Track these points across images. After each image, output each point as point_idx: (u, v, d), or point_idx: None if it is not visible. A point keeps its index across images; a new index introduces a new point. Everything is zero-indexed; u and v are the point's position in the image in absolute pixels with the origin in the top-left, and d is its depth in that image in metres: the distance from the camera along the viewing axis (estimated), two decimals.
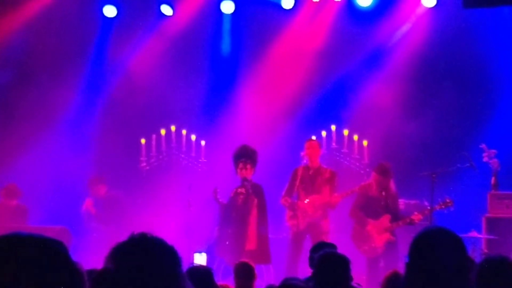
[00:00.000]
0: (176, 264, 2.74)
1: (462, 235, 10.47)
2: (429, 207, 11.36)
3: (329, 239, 10.94)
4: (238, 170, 11.52)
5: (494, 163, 12.12)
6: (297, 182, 11.55)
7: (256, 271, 7.59)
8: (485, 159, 12.13)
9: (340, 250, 7.91)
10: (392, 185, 11.68)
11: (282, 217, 12.21)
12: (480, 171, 11.77)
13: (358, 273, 11.21)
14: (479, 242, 11.35)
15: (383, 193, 11.61)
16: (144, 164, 13.28)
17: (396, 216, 11.61)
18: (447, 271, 3.21)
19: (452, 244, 3.28)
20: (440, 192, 11.37)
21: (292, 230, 11.60)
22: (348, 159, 12.96)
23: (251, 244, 11.25)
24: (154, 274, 2.67)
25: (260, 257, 11.14)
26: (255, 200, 11.44)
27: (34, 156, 13.52)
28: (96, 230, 12.66)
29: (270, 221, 11.75)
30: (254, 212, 11.42)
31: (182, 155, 13.45)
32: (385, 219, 11.59)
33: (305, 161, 11.83)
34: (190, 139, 13.35)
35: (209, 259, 11.66)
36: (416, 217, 11.36)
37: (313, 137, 12.45)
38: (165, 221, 12.42)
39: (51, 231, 10.28)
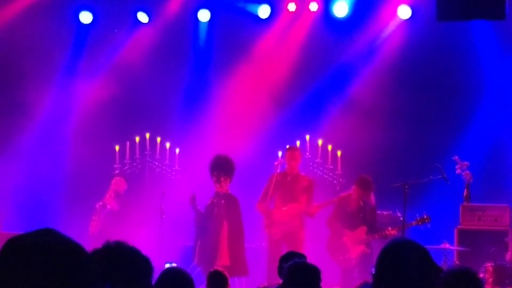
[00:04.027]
0: (148, 275, 2.74)
1: (434, 247, 10.59)
2: (401, 218, 11.40)
3: (304, 248, 10.93)
4: (213, 183, 11.44)
5: (467, 175, 12.19)
6: (272, 188, 11.51)
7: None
8: (457, 171, 12.20)
9: (316, 259, 7.95)
10: (372, 197, 11.74)
11: (256, 226, 12.19)
12: (453, 183, 11.83)
13: (333, 284, 11.25)
14: (451, 254, 11.41)
15: (362, 205, 11.66)
16: (118, 171, 13.21)
17: (372, 228, 11.65)
18: (412, 282, 3.24)
19: (418, 256, 3.31)
20: (412, 203, 11.42)
21: (268, 239, 11.55)
22: (321, 169, 12.97)
23: (223, 260, 11.07)
24: (126, 283, 2.65)
25: (236, 270, 11.01)
26: (225, 219, 11.28)
27: (6, 161, 13.40)
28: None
29: (245, 229, 11.69)
30: (224, 231, 11.24)
31: (156, 163, 13.41)
32: (361, 231, 11.63)
33: (279, 170, 11.83)
34: (164, 146, 13.31)
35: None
36: (390, 232, 11.41)
37: (297, 144, 12.56)
38: (137, 228, 12.34)
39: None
